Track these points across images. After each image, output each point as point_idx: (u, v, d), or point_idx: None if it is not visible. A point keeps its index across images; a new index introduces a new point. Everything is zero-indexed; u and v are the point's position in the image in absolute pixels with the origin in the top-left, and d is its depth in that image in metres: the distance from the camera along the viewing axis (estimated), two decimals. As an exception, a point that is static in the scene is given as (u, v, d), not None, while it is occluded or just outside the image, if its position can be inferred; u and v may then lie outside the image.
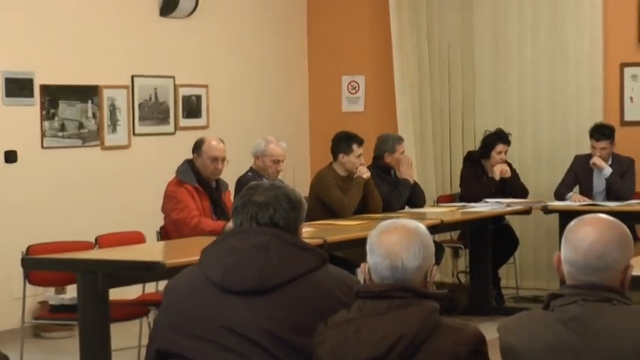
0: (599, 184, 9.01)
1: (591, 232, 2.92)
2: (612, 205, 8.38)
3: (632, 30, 9.49)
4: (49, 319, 7.16)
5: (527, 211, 8.88)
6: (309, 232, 6.78)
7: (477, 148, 9.37)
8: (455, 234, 9.59)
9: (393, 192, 8.56)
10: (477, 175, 9.19)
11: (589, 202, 8.73)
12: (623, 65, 9.54)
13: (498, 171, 9.04)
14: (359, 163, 8.23)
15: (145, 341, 3.55)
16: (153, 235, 7.22)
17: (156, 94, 9.13)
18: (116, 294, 6.19)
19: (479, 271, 8.87)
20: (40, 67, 8.19)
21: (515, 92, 9.92)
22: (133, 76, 8.91)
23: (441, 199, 9.58)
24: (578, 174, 9.08)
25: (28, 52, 8.14)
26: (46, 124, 8.27)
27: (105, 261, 6.10)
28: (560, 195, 9.01)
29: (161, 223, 7.27)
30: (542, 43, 9.78)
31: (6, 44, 8.01)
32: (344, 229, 7.35)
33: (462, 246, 9.38)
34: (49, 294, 7.49)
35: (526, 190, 9.24)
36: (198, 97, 9.51)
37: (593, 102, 9.58)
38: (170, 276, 3.46)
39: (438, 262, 7.52)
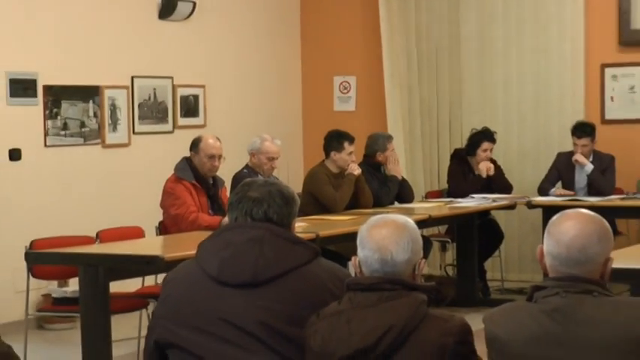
0: (580, 180, 9.02)
1: (573, 226, 2.92)
2: (593, 200, 8.38)
3: (612, 32, 9.50)
4: (52, 311, 7.17)
5: (511, 206, 8.89)
6: (302, 226, 6.77)
7: (463, 146, 9.38)
8: (442, 228, 9.59)
9: (382, 188, 8.56)
10: (463, 172, 9.20)
11: (572, 195, 8.75)
12: (604, 66, 9.55)
13: (484, 169, 9.05)
14: (350, 160, 8.22)
15: (144, 332, 3.54)
16: (152, 230, 7.21)
17: (155, 94, 9.11)
18: (116, 287, 6.18)
19: (465, 264, 8.88)
20: (43, 69, 8.17)
21: (500, 92, 9.93)
22: (132, 77, 8.89)
23: (430, 195, 9.58)
24: (561, 170, 9.09)
25: (32, 54, 8.12)
26: (49, 123, 8.25)
27: (106, 255, 6.09)
28: (543, 190, 9.02)
29: (160, 218, 7.27)
30: (527, 45, 9.79)
31: (11, 46, 8.00)
32: (336, 223, 7.35)
33: (449, 240, 9.39)
34: (52, 287, 7.48)
35: (510, 185, 9.25)
36: (196, 97, 9.49)
37: (575, 101, 9.59)
38: (169, 269, 3.46)
39: (426, 255, 7.54)
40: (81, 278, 5.86)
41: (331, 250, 7.16)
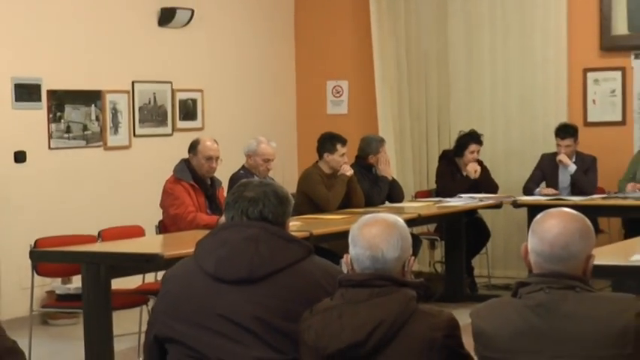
0: (564, 180, 9.03)
1: (556, 224, 2.93)
2: (576, 199, 8.38)
3: (594, 38, 9.52)
4: (55, 308, 7.15)
5: (498, 205, 8.88)
6: (296, 225, 6.76)
7: (451, 148, 9.38)
8: (431, 227, 9.59)
9: (374, 188, 8.56)
10: (451, 173, 9.20)
11: (556, 194, 8.76)
12: (586, 70, 9.56)
13: (472, 171, 9.06)
14: (343, 161, 8.22)
15: (144, 327, 3.54)
16: (152, 229, 7.20)
17: (154, 98, 9.10)
18: (118, 284, 6.17)
19: (453, 261, 8.88)
20: (47, 74, 8.16)
21: (487, 95, 9.94)
22: (133, 82, 8.89)
23: (419, 195, 9.58)
24: (545, 171, 9.10)
25: (36, 59, 8.11)
26: (53, 126, 8.24)
27: (107, 253, 6.08)
28: (528, 190, 9.03)
29: (160, 217, 7.26)
30: (512, 50, 9.80)
31: (16, 52, 7.99)
32: (329, 222, 7.34)
33: (437, 238, 9.39)
34: (55, 284, 7.47)
35: (496, 185, 9.25)
36: (194, 101, 9.49)
37: (559, 104, 9.60)
38: (168, 267, 3.45)
39: (415, 253, 7.53)
40: (83, 275, 5.85)
41: (324, 247, 7.15)
